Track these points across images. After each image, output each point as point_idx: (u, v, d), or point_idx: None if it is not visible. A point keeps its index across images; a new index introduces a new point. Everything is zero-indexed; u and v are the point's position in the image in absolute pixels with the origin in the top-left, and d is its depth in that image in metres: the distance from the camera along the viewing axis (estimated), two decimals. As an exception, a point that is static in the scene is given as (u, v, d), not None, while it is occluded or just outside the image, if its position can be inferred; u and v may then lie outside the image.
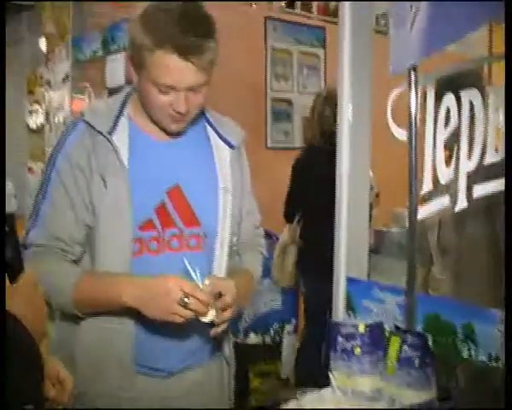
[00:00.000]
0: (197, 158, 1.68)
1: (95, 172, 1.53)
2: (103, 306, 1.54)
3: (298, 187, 3.65)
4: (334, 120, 3.38)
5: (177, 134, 1.64)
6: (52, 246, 1.56)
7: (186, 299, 1.43)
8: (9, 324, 0.99)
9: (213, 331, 1.55)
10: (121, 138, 1.57)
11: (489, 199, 1.67)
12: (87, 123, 1.56)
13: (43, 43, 3.98)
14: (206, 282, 1.49)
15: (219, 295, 1.50)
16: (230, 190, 1.68)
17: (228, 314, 1.54)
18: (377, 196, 3.52)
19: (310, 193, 3.52)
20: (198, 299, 1.44)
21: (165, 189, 1.60)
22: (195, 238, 1.63)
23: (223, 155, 1.70)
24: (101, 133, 1.55)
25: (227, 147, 1.71)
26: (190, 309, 1.44)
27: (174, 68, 1.45)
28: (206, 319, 1.49)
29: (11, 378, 0.93)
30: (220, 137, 1.71)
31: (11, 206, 1.04)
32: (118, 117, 1.59)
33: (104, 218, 1.53)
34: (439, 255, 2.33)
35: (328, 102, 3.51)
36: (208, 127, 1.72)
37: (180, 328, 1.59)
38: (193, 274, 1.50)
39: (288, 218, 3.71)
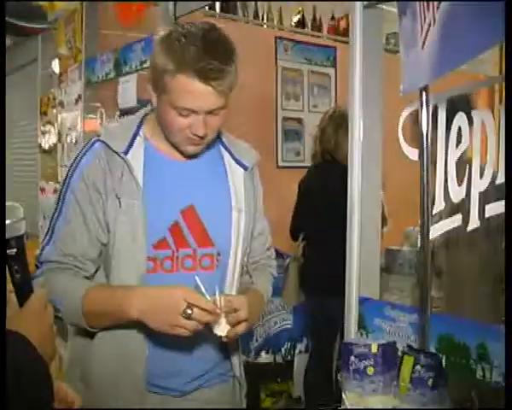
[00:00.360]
0: (211, 178, 1.70)
1: (110, 191, 1.55)
2: (112, 319, 1.54)
3: (301, 205, 3.66)
4: (336, 139, 3.44)
5: (193, 155, 1.65)
6: (65, 263, 1.57)
7: (189, 310, 1.43)
8: (19, 345, 0.99)
9: (223, 339, 1.55)
10: (136, 158, 1.58)
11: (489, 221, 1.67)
12: (103, 142, 1.58)
13: (56, 65, 4.02)
14: (221, 298, 1.50)
15: (234, 311, 1.51)
16: (243, 210, 1.69)
17: (241, 329, 1.54)
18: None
19: (312, 211, 3.53)
20: (202, 309, 1.44)
21: (179, 209, 1.61)
22: (209, 258, 1.64)
23: (236, 175, 1.71)
24: (116, 153, 1.57)
25: (240, 168, 1.72)
26: (194, 320, 1.44)
27: (195, 92, 1.47)
28: (220, 333, 1.50)
29: (21, 399, 0.93)
30: (234, 158, 1.72)
31: (21, 228, 1.04)
32: (134, 137, 1.61)
33: (119, 236, 1.55)
34: (433, 275, 2.32)
35: (331, 121, 3.52)
36: (222, 149, 1.73)
37: (192, 348, 1.60)
38: (205, 292, 1.50)
39: (294, 236, 3.71)
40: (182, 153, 1.63)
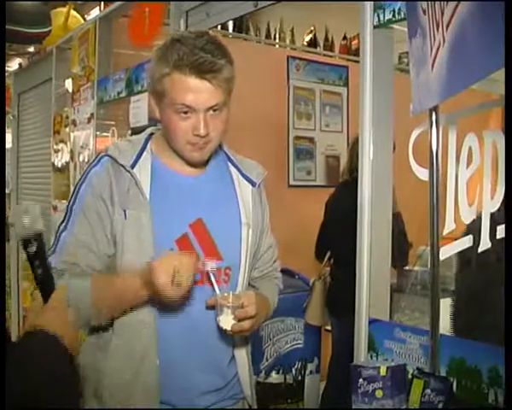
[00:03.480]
0: (220, 193, 1.71)
1: (116, 204, 1.56)
2: (124, 303, 1.54)
3: (329, 224, 3.64)
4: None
5: (200, 167, 1.66)
6: (70, 271, 1.55)
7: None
8: (45, 341, 1.01)
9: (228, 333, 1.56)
10: (143, 171, 1.60)
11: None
12: (110, 157, 1.60)
13: (69, 84, 4.06)
14: (230, 294, 1.54)
15: (242, 306, 1.53)
16: (252, 225, 1.70)
17: (247, 325, 1.55)
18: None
19: (341, 229, 3.50)
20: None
21: (188, 222, 1.62)
22: (217, 272, 1.63)
23: (245, 192, 1.73)
24: (123, 167, 1.58)
25: (249, 184, 1.74)
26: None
27: (191, 88, 1.50)
28: (225, 326, 1.52)
29: (50, 394, 0.93)
30: (242, 174, 1.74)
31: (39, 225, 1.05)
32: (141, 152, 1.63)
33: (126, 248, 1.56)
34: None
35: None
36: (231, 166, 1.75)
37: (202, 361, 1.61)
38: (217, 290, 1.55)
39: (319, 255, 3.68)
40: (188, 162, 1.63)
